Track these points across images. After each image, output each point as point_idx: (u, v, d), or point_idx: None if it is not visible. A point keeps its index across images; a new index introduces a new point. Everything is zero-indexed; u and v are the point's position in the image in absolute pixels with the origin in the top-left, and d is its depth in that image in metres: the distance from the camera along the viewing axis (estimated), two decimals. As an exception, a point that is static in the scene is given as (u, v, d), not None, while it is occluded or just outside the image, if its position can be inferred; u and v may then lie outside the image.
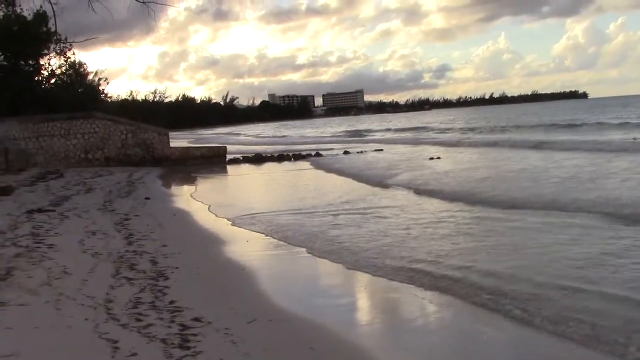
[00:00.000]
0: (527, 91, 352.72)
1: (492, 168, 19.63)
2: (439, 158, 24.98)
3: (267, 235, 10.38)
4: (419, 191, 14.97)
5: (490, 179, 16.17)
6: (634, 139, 27.41)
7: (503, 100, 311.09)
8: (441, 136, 45.82)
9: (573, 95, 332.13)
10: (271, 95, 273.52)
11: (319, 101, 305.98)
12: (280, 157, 30.68)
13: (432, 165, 21.80)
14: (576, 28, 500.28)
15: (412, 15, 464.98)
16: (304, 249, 9.19)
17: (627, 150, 22.06)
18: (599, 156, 20.73)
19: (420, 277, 7.19)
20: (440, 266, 7.60)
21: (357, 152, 31.66)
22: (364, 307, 6.64)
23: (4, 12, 29.41)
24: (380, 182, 17.60)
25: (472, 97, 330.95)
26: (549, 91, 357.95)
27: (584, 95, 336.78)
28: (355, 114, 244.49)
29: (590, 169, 17.17)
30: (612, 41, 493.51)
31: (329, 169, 22.97)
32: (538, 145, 27.75)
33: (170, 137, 29.88)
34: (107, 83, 39.03)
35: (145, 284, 7.07)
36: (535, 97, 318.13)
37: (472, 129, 51.13)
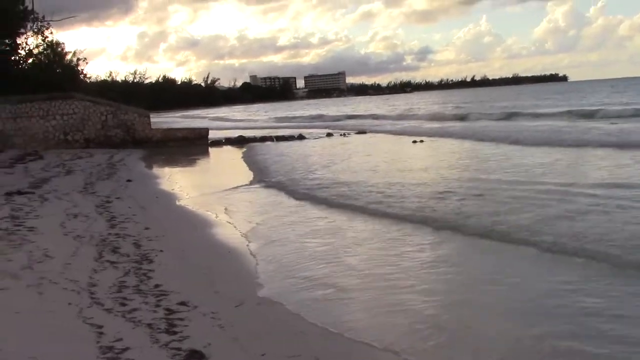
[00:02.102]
0: (509, 74, 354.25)
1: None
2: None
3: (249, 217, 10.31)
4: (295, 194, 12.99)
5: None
6: None
7: (485, 83, 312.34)
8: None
9: (553, 78, 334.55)
10: (252, 77, 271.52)
11: (300, 83, 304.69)
12: (263, 139, 30.54)
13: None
14: (557, 11, 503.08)
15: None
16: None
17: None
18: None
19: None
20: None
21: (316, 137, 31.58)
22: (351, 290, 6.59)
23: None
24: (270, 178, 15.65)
25: (454, 80, 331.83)
26: (529, 74, 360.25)
27: (564, 78, 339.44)
28: (337, 96, 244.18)
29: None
30: (592, 24, 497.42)
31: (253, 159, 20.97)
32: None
33: (151, 118, 29.50)
34: (87, 63, 38.28)
35: (129, 268, 6.96)
36: (516, 80, 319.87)
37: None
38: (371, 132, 34.26)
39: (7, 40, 29.87)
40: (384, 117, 49.37)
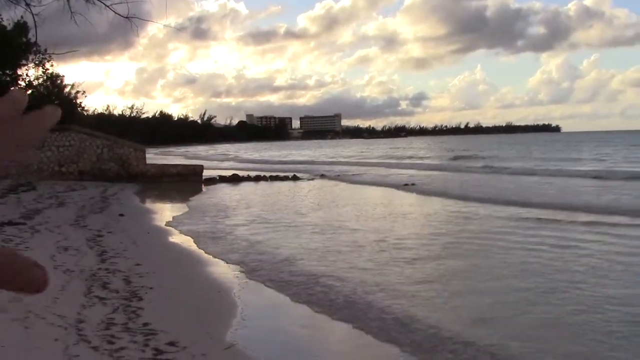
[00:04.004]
0: (502, 122, 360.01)
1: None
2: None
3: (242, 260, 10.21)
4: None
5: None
6: None
7: (478, 130, 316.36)
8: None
9: (546, 128, 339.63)
10: (249, 116, 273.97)
11: (296, 123, 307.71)
12: (257, 178, 30.56)
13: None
14: (550, 63, 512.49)
15: (390, 43, 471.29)
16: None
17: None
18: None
19: None
20: None
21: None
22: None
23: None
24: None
25: (448, 126, 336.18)
26: (523, 123, 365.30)
27: (557, 129, 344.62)
28: (331, 138, 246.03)
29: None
30: (584, 77, 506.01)
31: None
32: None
33: (147, 153, 29.56)
34: (85, 96, 38.60)
35: (119, 304, 6.85)
36: (509, 129, 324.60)
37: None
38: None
39: (8, 71, 30.10)
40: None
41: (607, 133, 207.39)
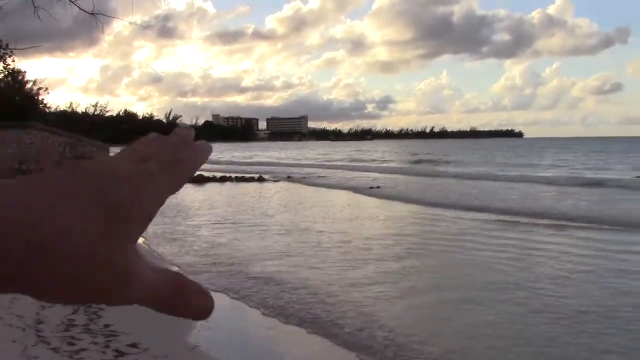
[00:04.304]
0: (466, 127, 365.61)
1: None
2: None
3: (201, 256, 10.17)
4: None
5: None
6: None
7: (443, 134, 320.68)
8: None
9: (509, 133, 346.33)
10: (215, 116, 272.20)
11: (262, 125, 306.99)
12: (223, 179, 30.44)
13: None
14: (514, 69, 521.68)
15: (357, 46, 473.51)
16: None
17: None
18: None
19: None
20: None
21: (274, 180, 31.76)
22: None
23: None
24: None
25: (414, 130, 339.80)
26: (487, 128, 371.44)
27: (520, 135, 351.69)
28: (298, 140, 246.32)
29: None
30: (547, 84, 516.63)
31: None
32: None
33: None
34: (47, 93, 37.79)
35: (79, 305, 6.76)
36: (473, 134, 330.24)
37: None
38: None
39: (-33, 66, 29.35)
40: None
41: (568, 139, 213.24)
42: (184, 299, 0.40)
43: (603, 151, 77.08)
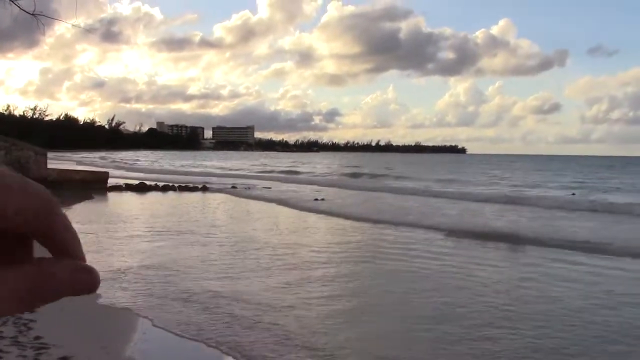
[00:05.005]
0: (411, 142, 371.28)
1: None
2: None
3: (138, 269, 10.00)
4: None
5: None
6: None
7: (389, 148, 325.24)
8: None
9: (453, 149, 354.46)
10: (160, 123, 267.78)
11: (208, 134, 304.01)
12: (165, 188, 29.89)
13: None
14: (458, 87, 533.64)
15: (306, 58, 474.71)
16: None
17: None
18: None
19: None
20: None
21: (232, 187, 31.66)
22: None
23: None
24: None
25: (360, 143, 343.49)
26: (431, 144, 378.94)
27: (463, 150, 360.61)
28: (244, 150, 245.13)
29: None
30: (489, 102, 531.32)
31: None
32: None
33: (48, 157, 28.29)
34: (-18, 94, 36.52)
35: (7, 317, 6.53)
36: (418, 148, 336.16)
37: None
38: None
39: None
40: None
41: (509, 156, 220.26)
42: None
43: (541, 169, 79.69)
